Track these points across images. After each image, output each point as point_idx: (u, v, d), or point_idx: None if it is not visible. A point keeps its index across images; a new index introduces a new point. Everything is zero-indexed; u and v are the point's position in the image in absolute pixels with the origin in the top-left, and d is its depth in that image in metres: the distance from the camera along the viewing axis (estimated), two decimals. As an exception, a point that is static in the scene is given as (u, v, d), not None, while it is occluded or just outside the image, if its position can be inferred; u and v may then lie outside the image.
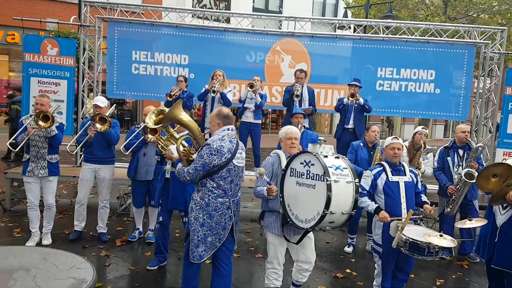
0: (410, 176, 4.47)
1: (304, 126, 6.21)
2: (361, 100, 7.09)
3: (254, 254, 5.96)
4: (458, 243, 4.33)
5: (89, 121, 5.88)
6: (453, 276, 5.66)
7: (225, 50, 8.53)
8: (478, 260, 6.15)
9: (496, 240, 4.36)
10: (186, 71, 8.42)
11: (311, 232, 4.21)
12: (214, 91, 7.03)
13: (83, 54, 8.51)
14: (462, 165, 5.93)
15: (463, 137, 6.00)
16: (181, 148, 4.00)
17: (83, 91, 8.53)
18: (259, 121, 7.54)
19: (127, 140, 5.93)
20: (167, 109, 4.67)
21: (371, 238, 6.29)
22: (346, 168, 3.77)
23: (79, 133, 6.00)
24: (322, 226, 3.75)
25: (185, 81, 7.52)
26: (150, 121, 4.83)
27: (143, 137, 5.79)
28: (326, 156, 3.80)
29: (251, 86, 7.20)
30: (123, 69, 8.51)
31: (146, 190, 6.06)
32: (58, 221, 6.88)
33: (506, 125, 7.81)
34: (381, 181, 4.41)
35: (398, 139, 4.56)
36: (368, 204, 4.41)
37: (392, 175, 4.41)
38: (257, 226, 7.18)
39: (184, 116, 4.14)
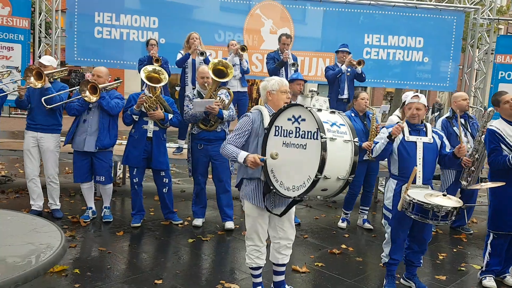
0: (433, 137, 3.91)
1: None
2: (359, 68, 6.53)
3: (239, 232, 5.38)
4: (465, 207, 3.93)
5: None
6: (454, 250, 5.27)
7: (199, 15, 7.80)
8: (472, 232, 5.88)
9: None
10: (156, 35, 7.59)
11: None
12: (202, 53, 6.23)
13: (39, 17, 7.57)
14: (468, 133, 5.51)
15: (465, 104, 5.56)
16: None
17: (39, 57, 7.58)
18: (246, 89, 6.86)
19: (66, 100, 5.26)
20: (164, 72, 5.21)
21: (364, 212, 5.90)
22: (344, 125, 3.05)
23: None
24: (313, 195, 3.03)
25: (157, 44, 6.74)
26: (143, 72, 5.04)
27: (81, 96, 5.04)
28: (319, 110, 3.06)
29: (243, 49, 6.49)
30: (85, 33, 7.61)
31: (89, 164, 5.32)
32: (14, 201, 6.11)
33: (496, 95, 7.47)
34: (396, 140, 3.86)
35: (419, 97, 3.91)
36: (380, 139, 3.88)
37: (410, 134, 3.87)
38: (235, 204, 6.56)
39: None
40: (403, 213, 3.63)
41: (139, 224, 5.34)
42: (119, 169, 7.57)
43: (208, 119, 5.12)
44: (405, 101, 4.48)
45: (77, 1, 7.52)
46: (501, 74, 7.52)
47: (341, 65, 6.63)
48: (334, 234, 5.54)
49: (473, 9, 7.81)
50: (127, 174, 7.68)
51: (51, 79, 5.28)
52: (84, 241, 4.80)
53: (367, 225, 5.80)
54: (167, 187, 5.42)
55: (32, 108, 5.28)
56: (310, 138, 2.98)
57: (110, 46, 7.67)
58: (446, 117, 5.66)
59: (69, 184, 6.96)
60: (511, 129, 4.07)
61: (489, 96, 7.71)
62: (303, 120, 3.04)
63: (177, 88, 6.82)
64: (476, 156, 5.13)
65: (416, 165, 3.76)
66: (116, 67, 8.06)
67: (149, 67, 5.20)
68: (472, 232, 5.87)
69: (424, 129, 3.94)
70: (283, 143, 3.17)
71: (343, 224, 5.78)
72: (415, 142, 3.85)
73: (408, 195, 3.56)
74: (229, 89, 5.35)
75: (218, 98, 5.12)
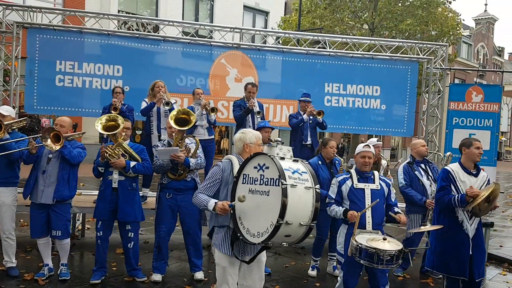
0: (380, 184, 4.20)
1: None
2: (319, 118, 6.88)
3: (208, 285, 5.20)
4: (408, 251, 4.02)
5: None
6: (423, 295, 5.32)
7: (162, 61, 7.87)
8: (441, 276, 5.93)
9: (471, 253, 4.25)
10: (120, 83, 7.53)
11: (262, 254, 3.60)
12: (167, 103, 6.18)
13: (-3, 64, 7.37)
14: (429, 178, 5.69)
15: (424, 150, 5.83)
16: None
17: (-4, 105, 7.32)
18: (213, 137, 6.87)
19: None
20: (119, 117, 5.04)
21: (333, 258, 5.87)
22: (306, 173, 3.21)
23: None
24: (277, 241, 3.10)
25: (123, 92, 6.67)
26: (98, 124, 4.87)
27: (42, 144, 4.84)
28: (283, 158, 3.22)
29: (213, 110, 6.57)
30: (46, 81, 7.44)
31: (46, 217, 5.01)
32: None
33: (451, 140, 7.85)
34: (345, 188, 4.16)
35: (370, 147, 4.31)
36: (336, 210, 4.13)
37: (358, 182, 4.15)
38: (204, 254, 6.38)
39: None
40: (353, 258, 3.75)
41: (98, 281, 5.04)
42: (78, 220, 7.24)
43: (177, 168, 5.08)
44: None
45: (38, 49, 7.39)
46: (455, 120, 7.91)
47: (303, 114, 6.91)
48: (305, 284, 5.47)
49: (426, 59, 8.29)
50: (87, 226, 7.37)
51: (10, 129, 5.08)
52: (43, 302, 4.49)
53: (337, 273, 5.74)
54: (132, 242, 5.13)
55: None
56: (273, 185, 3.11)
57: (70, 94, 7.51)
58: (407, 163, 5.87)
59: (25, 238, 6.57)
60: (464, 175, 4.31)
61: (444, 141, 8.06)
62: (267, 168, 3.19)
63: (137, 132, 6.74)
64: None
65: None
66: (77, 115, 7.89)
67: (103, 118, 5.06)
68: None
69: (372, 176, 4.22)
70: (249, 190, 3.28)
71: (313, 272, 5.72)
72: (363, 189, 4.11)
73: (355, 240, 3.68)
74: (194, 137, 5.42)
75: (184, 146, 5.13)
